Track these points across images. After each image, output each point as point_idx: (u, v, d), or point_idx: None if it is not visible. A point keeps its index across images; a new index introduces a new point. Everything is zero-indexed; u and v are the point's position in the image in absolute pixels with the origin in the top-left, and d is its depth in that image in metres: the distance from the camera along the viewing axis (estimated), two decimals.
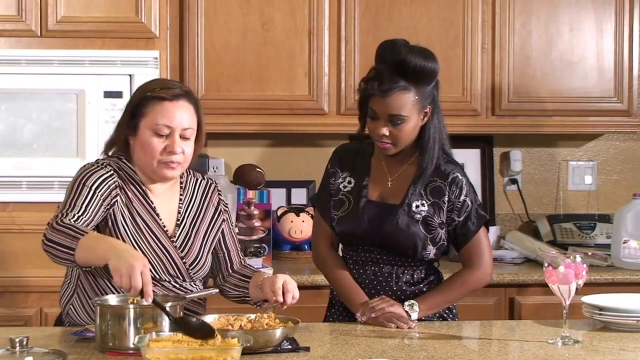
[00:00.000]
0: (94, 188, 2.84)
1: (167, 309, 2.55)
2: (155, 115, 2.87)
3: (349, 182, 3.19)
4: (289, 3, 4.29)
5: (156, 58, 3.98)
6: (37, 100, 3.93)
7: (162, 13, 4.04)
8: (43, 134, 3.94)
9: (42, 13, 3.96)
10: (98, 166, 2.90)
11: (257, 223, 4.22)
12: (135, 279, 2.51)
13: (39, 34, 3.97)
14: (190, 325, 2.49)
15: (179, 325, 2.50)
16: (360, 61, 4.30)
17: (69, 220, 2.75)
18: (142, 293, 2.53)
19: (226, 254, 3.09)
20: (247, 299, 3.03)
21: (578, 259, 2.76)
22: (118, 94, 3.95)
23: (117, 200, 2.88)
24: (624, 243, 4.23)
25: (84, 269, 2.85)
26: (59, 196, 3.87)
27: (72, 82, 3.94)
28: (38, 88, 3.93)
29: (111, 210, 2.86)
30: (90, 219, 2.80)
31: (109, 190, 2.86)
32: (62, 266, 3.04)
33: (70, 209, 2.80)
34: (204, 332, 2.46)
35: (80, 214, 2.79)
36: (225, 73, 4.28)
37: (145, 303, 2.64)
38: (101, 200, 2.84)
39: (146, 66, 3.96)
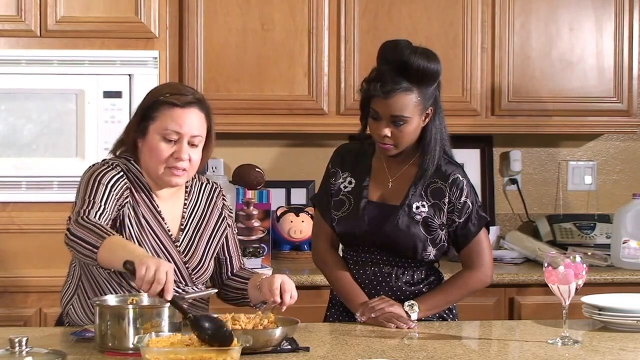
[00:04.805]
0: (109, 187, 2.83)
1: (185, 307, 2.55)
2: (165, 120, 2.85)
3: (350, 183, 3.18)
4: (288, 3, 4.28)
5: (155, 58, 3.97)
6: (37, 100, 3.93)
7: (162, 13, 4.04)
8: (43, 134, 3.94)
9: (41, 13, 3.96)
10: (109, 166, 2.88)
11: (256, 223, 4.22)
12: (161, 273, 2.49)
13: (39, 34, 3.96)
14: (204, 330, 2.44)
15: (194, 326, 2.45)
16: (360, 61, 4.29)
17: (93, 217, 2.74)
18: (160, 292, 2.50)
19: (228, 260, 3.08)
20: (246, 300, 3.03)
21: (578, 259, 2.76)
22: (117, 94, 3.94)
23: (127, 202, 2.87)
24: (623, 243, 4.23)
25: (104, 269, 2.79)
26: (59, 196, 3.91)
27: (71, 82, 3.94)
28: (38, 88, 3.93)
29: (121, 211, 2.86)
30: (108, 217, 2.80)
31: (121, 190, 2.86)
32: (64, 266, 3.05)
33: (89, 206, 2.77)
34: (220, 339, 2.42)
35: (101, 211, 2.77)
36: (225, 73, 4.27)
37: (146, 303, 2.67)
38: (115, 200, 2.83)
39: (146, 66, 3.95)
